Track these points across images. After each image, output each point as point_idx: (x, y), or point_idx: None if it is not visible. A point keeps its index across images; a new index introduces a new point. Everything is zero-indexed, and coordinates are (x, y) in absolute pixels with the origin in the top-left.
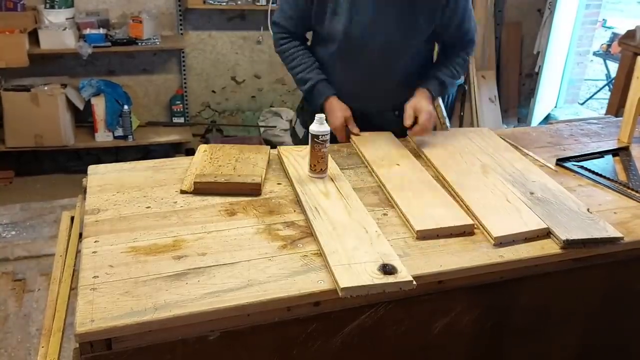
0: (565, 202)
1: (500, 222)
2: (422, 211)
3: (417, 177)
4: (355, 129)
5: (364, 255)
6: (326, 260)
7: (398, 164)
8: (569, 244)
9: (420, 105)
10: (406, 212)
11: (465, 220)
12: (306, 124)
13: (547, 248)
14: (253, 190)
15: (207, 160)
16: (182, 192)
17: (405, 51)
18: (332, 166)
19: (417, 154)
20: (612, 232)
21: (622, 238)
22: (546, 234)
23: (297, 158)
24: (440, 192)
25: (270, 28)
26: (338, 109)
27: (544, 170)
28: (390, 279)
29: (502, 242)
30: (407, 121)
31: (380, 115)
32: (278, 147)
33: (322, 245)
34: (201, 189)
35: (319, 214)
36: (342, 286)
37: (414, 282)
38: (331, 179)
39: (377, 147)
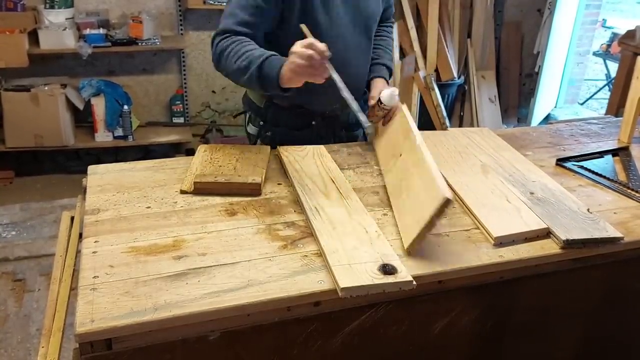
0: (565, 202)
1: (500, 222)
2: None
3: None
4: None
5: (364, 255)
6: (326, 260)
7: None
8: (569, 244)
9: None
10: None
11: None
12: (278, 121)
13: (547, 248)
14: (253, 190)
15: (207, 160)
16: (182, 192)
17: (366, 44)
18: (332, 167)
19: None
20: (612, 232)
21: (622, 238)
22: (546, 234)
23: (297, 158)
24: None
25: (211, 45)
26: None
27: (544, 170)
28: (390, 279)
29: (502, 242)
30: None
31: (344, 113)
32: (278, 147)
33: (322, 245)
34: (201, 189)
35: (319, 214)
36: (342, 286)
37: (414, 282)
38: (331, 179)
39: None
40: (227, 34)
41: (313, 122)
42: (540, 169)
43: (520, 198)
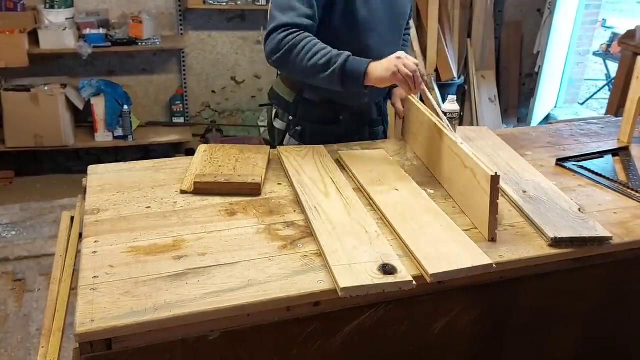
0: (556, 202)
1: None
2: (434, 249)
3: (421, 205)
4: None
5: (364, 255)
6: (326, 260)
7: (397, 189)
8: (556, 242)
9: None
10: (415, 252)
11: (483, 259)
12: (307, 116)
13: (547, 248)
14: (253, 190)
15: (207, 160)
16: (182, 192)
17: (397, 40)
18: (331, 167)
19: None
20: (602, 232)
21: (611, 238)
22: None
23: (296, 158)
24: (448, 222)
25: (266, 38)
26: (386, 60)
27: (544, 170)
28: (390, 279)
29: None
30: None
31: (369, 110)
32: (278, 147)
33: (322, 245)
34: (201, 189)
35: (318, 214)
36: (342, 286)
37: (414, 282)
38: (331, 179)
39: (370, 168)
40: (293, 29)
41: (341, 117)
42: (535, 169)
43: (512, 196)
